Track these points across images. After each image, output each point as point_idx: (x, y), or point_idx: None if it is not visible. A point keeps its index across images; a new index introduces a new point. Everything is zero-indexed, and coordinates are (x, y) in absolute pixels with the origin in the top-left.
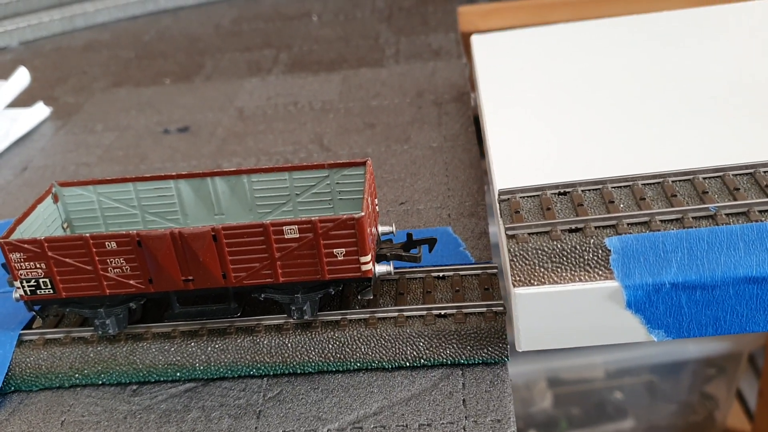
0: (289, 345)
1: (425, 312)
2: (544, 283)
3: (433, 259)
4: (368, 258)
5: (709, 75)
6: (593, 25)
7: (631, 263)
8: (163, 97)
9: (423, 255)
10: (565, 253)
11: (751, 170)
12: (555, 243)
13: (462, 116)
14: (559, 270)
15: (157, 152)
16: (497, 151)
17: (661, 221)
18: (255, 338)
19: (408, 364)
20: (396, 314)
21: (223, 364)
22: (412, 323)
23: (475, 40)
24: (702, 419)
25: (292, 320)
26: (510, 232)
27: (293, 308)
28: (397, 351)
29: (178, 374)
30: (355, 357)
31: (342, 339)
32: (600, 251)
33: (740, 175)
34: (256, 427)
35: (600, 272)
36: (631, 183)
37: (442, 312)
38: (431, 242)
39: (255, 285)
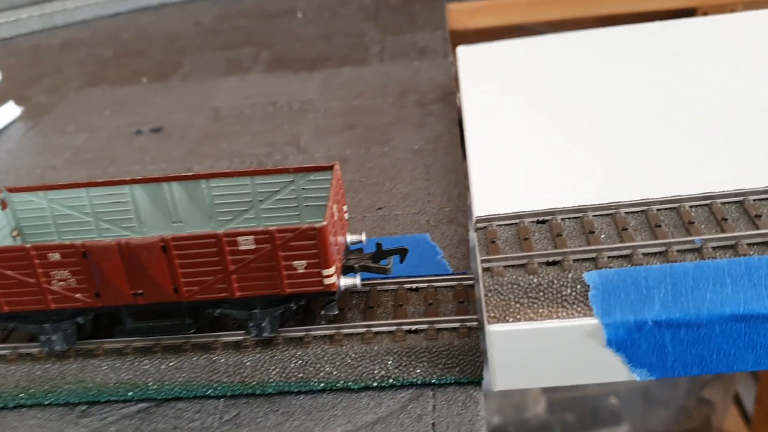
0: (248, 364)
1: (395, 328)
2: (520, 320)
3: (409, 268)
4: (332, 271)
5: (699, 94)
6: (583, 36)
7: (611, 299)
8: (139, 97)
9: (398, 264)
10: (542, 288)
11: (740, 198)
12: (531, 277)
13: (445, 117)
14: (535, 306)
15: (127, 154)
16: (478, 174)
17: (644, 254)
18: (212, 356)
19: (375, 384)
20: (364, 330)
21: (177, 383)
22: (381, 340)
23: (461, 51)
24: (698, 425)
25: (251, 337)
26: (485, 265)
27: (251, 325)
28: (364, 370)
29: (130, 394)
30: (318, 376)
31: (305, 357)
32: (579, 286)
33: (729, 203)
34: None
35: (578, 309)
36: (613, 211)
37: (413, 327)
38: (402, 252)
39: (209, 300)
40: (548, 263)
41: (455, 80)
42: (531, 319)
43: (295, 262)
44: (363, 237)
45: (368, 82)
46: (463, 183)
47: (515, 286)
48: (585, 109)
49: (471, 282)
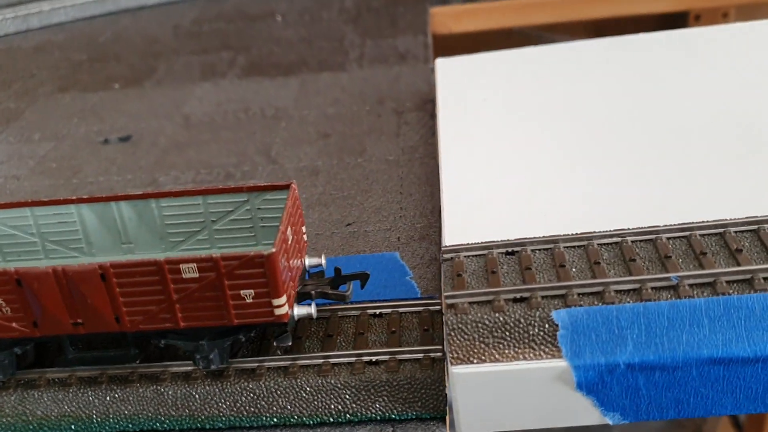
0: (197, 396)
1: (354, 359)
2: (485, 361)
3: (377, 289)
4: (282, 300)
5: (682, 112)
6: (564, 49)
7: (581, 340)
8: (109, 104)
9: (361, 289)
10: (509, 327)
11: (721, 230)
12: (497, 315)
13: (423, 126)
14: (501, 346)
15: (93, 164)
16: (449, 200)
17: (616, 291)
18: (159, 387)
19: (332, 419)
20: (320, 362)
21: (123, 416)
22: (339, 372)
23: (440, 64)
24: None
25: (199, 368)
26: (449, 301)
27: (198, 357)
28: (320, 405)
29: (73, 427)
30: (271, 411)
31: (257, 390)
32: (547, 325)
33: (708, 235)
34: None
35: (546, 350)
36: (585, 243)
37: (374, 359)
38: (363, 278)
39: (153, 330)
40: (515, 300)
41: (435, 88)
42: (496, 360)
43: (243, 291)
44: (323, 260)
45: (345, 88)
46: (438, 197)
47: (480, 325)
48: (563, 129)
49: (438, 307)
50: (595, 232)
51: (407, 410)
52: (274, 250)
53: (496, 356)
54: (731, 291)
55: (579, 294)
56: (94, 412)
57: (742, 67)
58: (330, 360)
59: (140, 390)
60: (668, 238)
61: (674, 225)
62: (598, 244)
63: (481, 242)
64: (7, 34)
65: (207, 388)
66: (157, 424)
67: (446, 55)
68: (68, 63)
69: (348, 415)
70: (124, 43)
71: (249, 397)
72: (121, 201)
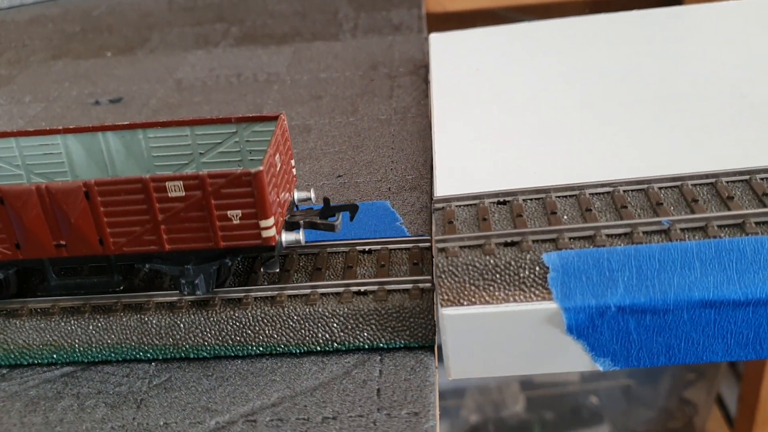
0: (182, 325)
1: (342, 289)
2: (475, 303)
3: (366, 233)
4: (270, 222)
5: (671, 78)
6: (556, 24)
7: (572, 282)
8: (101, 70)
9: (353, 227)
10: (499, 270)
11: (713, 180)
12: (488, 258)
13: (416, 89)
14: (491, 288)
15: (83, 123)
16: (441, 155)
17: (607, 236)
18: (143, 317)
19: (319, 348)
20: (308, 291)
21: (106, 345)
22: (327, 302)
23: (433, 38)
24: (681, 425)
25: (187, 297)
26: (440, 245)
27: (183, 282)
28: (307, 334)
29: (55, 356)
30: (257, 340)
31: (243, 319)
32: (537, 268)
33: (700, 185)
34: (134, 418)
35: (537, 292)
36: (577, 192)
37: (362, 289)
38: (352, 209)
39: (138, 253)
40: (506, 244)
41: (428, 57)
42: (487, 302)
43: (230, 211)
44: (312, 194)
45: (338, 55)
46: (430, 152)
47: (471, 268)
48: (554, 93)
49: (428, 244)
50: (586, 182)
51: (395, 339)
52: (261, 168)
53: (487, 298)
54: (722, 235)
55: (570, 238)
56: (77, 341)
57: (733, 40)
58: (318, 290)
59: (124, 319)
60: (660, 188)
61: (666, 175)
62: (589, 194)
63: (473, 192)
64: (1, 8)
65: (192, 317)
66: (141, 353)
67: (442, 25)
68: (61, 34)
69: (335, 344)
70: (118, 16)
71: (235, 326)
72: (108, 132)
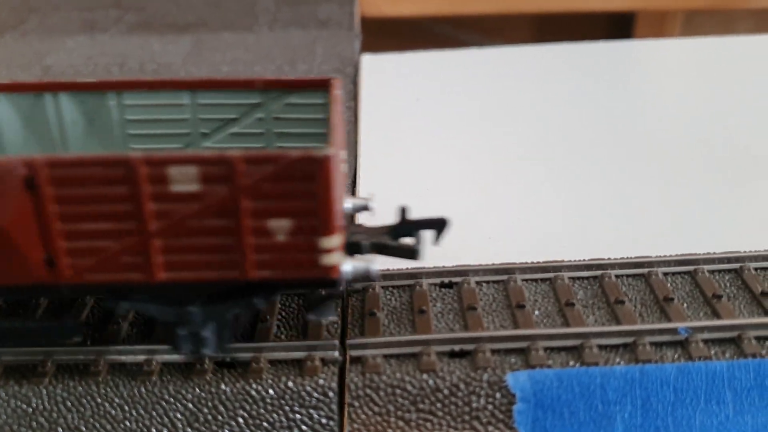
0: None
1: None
2: None
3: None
4: (335, 242)
5: (629, 129)
6: (501, 53)
7: (548, 420)
8: None
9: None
10: (442, 397)
11: (736, 265)
12: (426, 377)
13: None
14: (428, 426)
15: None
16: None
17: (600, 347)
18: (87, 386)
19: None
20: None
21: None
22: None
23: (367, 61)
24: None
25: (178, 355)
26: (355, 353)
27: (182, 333)
28: None
29: None
30: None
31: (256, 396)
32: (498, 395)
33: (720, 272)
34: None
35: None
36: (552, 275)
37: None
38: (439, 225)
39: (111, 283)
40: (452, 354)
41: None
42: None
43: (272, 221)
44: (372, 201)
45: (249, 48)
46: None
47: (399, 392)
48: (496, 137)
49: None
50: (564, 260)
51: None
52: (332, 152)
53: None
54: (764, 352)
55: (546, 348)
56: None
57: (686, 80)
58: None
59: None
60: (665, 274)
61: (673, 256)
62: (569, 278)
63: (406, 268)
64: None
65: (163, 390)
66: None
67: (373, 38)
68: None
69: None
70: None
71: (243, 410)
72: (60, 92)
